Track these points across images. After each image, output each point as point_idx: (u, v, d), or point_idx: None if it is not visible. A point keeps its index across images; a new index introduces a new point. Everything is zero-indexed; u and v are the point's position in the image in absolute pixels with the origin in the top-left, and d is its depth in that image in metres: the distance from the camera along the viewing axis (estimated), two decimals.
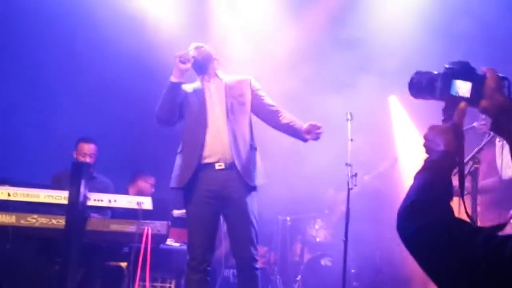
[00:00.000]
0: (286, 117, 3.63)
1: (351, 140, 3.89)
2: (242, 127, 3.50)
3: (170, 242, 4.43)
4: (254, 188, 3.47)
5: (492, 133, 3.84)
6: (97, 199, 3.79)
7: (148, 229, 3.77)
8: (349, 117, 3.99)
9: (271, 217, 5.75)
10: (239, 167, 3.40)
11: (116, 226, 3.83)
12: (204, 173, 3.45)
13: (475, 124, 4.58)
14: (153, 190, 5.30)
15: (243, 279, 3.47)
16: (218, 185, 3.43)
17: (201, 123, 3.48)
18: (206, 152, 3.46)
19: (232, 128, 3.45)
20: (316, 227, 5.80)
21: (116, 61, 5.82)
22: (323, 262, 5.48)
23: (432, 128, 1.34)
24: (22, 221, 3.74)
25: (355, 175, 3.79)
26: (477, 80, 1.31)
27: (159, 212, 4.45)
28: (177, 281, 4.41)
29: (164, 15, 5.83)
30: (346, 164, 3.80)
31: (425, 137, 1.35)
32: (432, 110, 4.92)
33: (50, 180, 4.56)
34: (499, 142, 3.87)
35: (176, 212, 4.66)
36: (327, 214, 5.90)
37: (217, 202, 3.45)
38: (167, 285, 4.38)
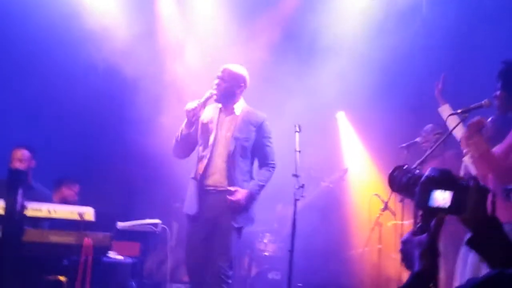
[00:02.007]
0: (257, 176, 3.97)
1: (299, 151, 3.91)
2: (239, 166, 3.81)
3: (113, 255, 4.28)
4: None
5: (432, 147, 3.98)
6: (35, 209, 3.63)
7: (89, 241, 3.64)
8: (297, 129, 4.02)
9: None
10: (220, 201, 3.76)
11: (55, 238, 3.67)
12: (206, 195, 3.81)
13: (417, 139, 4.75)
14: (76, 198, 5.14)
15: None
16: (211, 205, 3.78)
17: (210, 153, 3.81)
18: (209, 181, 3.80)
19: (231, 167, 3.79)
20: (265, 241, 5.77)
21: (57, 69, 5.66)
22: (270, 275, 5.45)
23: (406, 242, 1.25)
24: None
25: (303, 186, 3.80)
26: (459, 189, 1.22)
27: (101, 223, 4.31)
28: None
29: (115, 24, 5.76)
30: (293, 175, 3.81)
31: (401, 252, 1.27)
32: (377, 128, 5.08)
33: None
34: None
35: (121, 224, 4.52)
36: (276, 228, 5.89)
37: (209, 219, 3.79)
38: None
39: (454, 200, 1.21)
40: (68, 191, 5.14)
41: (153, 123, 5.53)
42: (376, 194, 4.75)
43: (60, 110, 5.78)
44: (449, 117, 4.36)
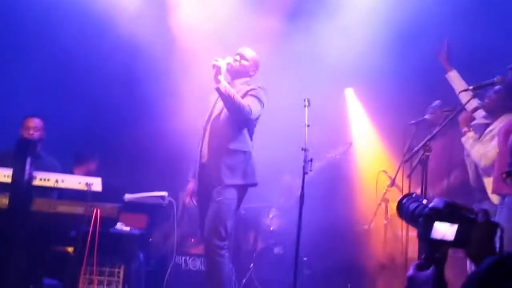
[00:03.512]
0: None
1: (308, 125, 3.88)
2: (223, 131, 3.82)
3: (120, 226, 4.30)
4: (234, 186, 3.79)
5: (441, 125, 3.95)
6: (43, 178, 3.64)
7: (97, 212, 3.65)
8: (306, 103, 4.00)
9: None
10: (209, 167, 3.81)
11: (63, 208, 3.70)
12: (201, 168, 3.90)
13: (426, 116, 4.71)
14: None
15: (207, 266, 3.86)
16: (205, 178, 3.85)
17: (206, 124, 3.94)
18: (203, 151, 3.88)
19: (213, 132, 3.85)
20: (270, 216, 5.78)
21: (70, 42, 5.63)
22: (276, 250, 5.48)
23: (412, 279, 1.20)
24: None
25: (311, 160, 3.78)
26: (465, 223, 1.16)
27: (109, 195, 4.33)
28: (126, 267, 4.29)
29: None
30: (302, 149, 3.79)
31: None
32: (385, 105, 5.00)
33: None
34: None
35: (128, 196, 4.53)
36: (282, 202, 5.91)
37: (205, 192, 3.85)
38: (116, 270, 4.24)
39: (459, 233, 1.16)
40: (94, 165, 5.20)
41: (165, 98, 5.52)
42: (384, 171, 4.74)
43: (71, 80, 5.76)
44: (461, 92, 4.31)
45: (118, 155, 5.79)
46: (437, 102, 4.80)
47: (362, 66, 5.67)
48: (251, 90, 3.91)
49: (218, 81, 3.73)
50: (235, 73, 3.99)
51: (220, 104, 3.92)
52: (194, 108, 4.83)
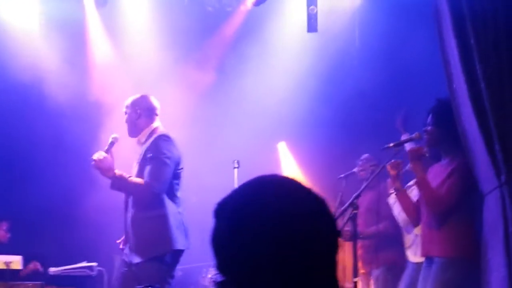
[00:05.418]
0: None
1: None
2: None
3: None
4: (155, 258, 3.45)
5: (369, 179, 4.04)
6: None
7: None
8: (236, 165, 3.99)
9: None
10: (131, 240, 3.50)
11: None
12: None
13: (355, 169, 4.82)
14: (8, 236, 4.81)
15: None
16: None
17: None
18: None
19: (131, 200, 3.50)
20: (210, 276, 5.65)
21: None
22: None
23: None
24: None
25: None
26: None
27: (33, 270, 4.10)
28: None
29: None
30: None
31: None
32: (318, 158, 5.05)
33: None
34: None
35: (53, 270, 4.29)
36: None
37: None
38: None
39: None
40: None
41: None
42: None
43: None
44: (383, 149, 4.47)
45: (44, 221, 5.50)
46: (365, 156, 4.90)
47: (292, 118, 5.77)
48: (148, 151, 3.48)
49: (109, 176, 3.39)
50: (131, 131, 3.61)
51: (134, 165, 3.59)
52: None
